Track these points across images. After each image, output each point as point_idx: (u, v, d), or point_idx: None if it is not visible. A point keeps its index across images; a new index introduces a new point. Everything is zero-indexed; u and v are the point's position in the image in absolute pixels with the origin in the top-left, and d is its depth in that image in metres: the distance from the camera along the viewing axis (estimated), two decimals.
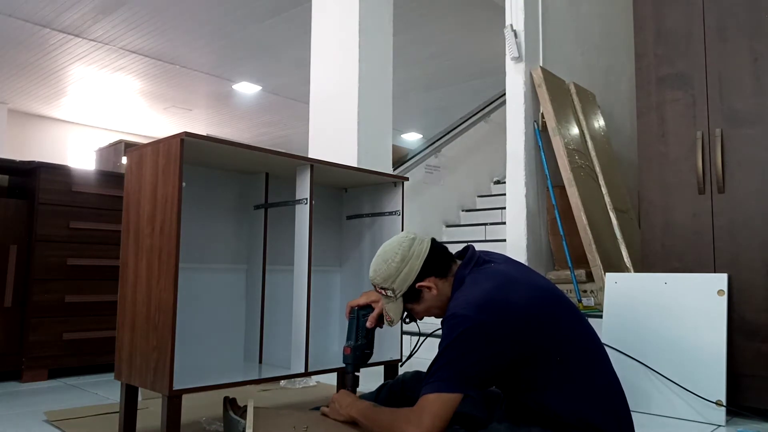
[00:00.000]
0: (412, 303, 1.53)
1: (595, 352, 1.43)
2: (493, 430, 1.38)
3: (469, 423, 1.51)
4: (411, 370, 1.76)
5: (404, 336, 2.27)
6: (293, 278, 1.93)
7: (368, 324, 1.69)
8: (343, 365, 1.72)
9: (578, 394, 1.36)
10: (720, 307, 2.16)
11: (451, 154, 5.59)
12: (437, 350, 1.35)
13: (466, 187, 5.74)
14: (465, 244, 1.62)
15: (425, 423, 1.29)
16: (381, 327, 1.74)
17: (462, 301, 1.38)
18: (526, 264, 3.14)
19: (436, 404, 1.29)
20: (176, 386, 1.55)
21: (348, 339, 1.71)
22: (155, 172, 1.67)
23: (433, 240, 1.56)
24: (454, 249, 1.62)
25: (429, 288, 1.50)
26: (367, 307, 1.72)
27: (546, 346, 1.36)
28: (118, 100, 9.18)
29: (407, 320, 1.65)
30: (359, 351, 1.70)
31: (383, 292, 1.54)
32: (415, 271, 1.49)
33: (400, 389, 1.70)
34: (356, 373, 1.71)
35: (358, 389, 1.72)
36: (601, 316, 2.47)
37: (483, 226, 4.92)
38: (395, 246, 1.52)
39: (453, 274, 1.51)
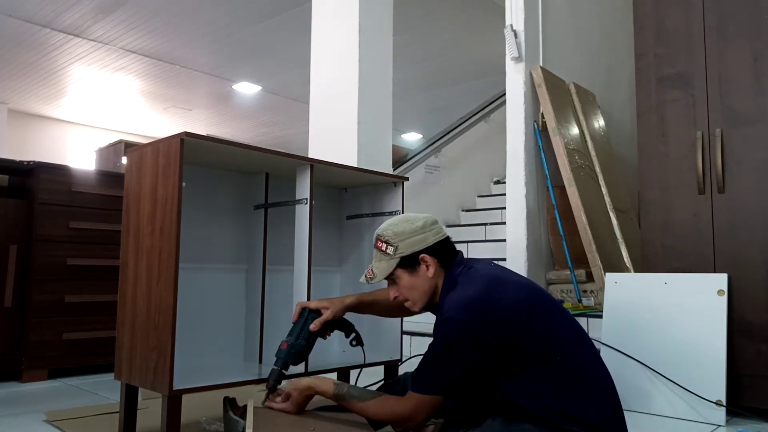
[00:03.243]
0: (405, 270, 1.56)
1: (583, 348, 1.45)
2: (486, 427, 1.39)
3: (462, 420, 1.51)
4: (411, 370, 1.76)
5: (404, 336, 2.27)
6: (293, 278, 1.93)
7: (312, 327, 1.71)
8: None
9: (565, 389, 1.38)
10: (720, 307, 2.16)
11: (451, 154, 5.59)
12: (429, 345, 1.45)
13: (466, 187, 5.73)
14: (463, 244, 1.67)
15: (410, 411, 1.45)
16: (324, 338, 1.78)
17: (454, 303, 1.44)
18: (525, 264, 3.17)
19: (423, 402, 1.44)
20: (176, 386, 1.55)
21: (289, 335, 1.73)
22: (155, 172, 1.67)
23: (448, 237, 1.63)
24: None
25: (428, 266, 1.55)
26: (317, 312, 1.74)
27: (534, 342, 1.41)
28: (118, 100, 9.18)
29: (353, 342, 1.82)
30: (295, 350, 1.71)
31: (384, 247, 1.57)
32: (426, 243, 1.55)
33: (401, 391, 1.70)
34: (284, 371, 1.71)
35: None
36: (601, 316, 2.47)
37: (483, 226, 4.91)
38: (420, 216, 1.61)
39: (448, 272, 1.56)
